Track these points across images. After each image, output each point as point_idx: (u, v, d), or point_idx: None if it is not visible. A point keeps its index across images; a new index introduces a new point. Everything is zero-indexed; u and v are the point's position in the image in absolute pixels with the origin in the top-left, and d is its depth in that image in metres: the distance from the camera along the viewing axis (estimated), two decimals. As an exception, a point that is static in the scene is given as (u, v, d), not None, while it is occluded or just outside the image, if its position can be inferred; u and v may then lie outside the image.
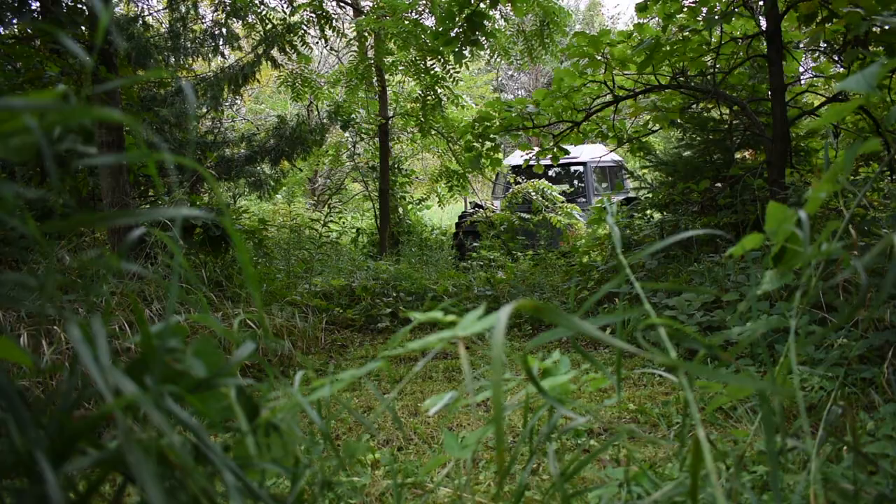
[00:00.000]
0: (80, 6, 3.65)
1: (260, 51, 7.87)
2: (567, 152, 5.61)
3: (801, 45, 4.34)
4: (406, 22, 6.45)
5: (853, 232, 0.89)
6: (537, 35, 7.47)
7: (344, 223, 9.79)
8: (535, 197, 7.93)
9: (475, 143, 5.46)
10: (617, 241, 0.79)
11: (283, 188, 11.64)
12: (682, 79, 4.65)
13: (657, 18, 4.33)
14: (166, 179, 5.78)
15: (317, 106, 10.03)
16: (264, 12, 7.65)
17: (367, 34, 7.74)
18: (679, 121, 5.14)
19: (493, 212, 8.25)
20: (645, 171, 5.99)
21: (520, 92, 25.71)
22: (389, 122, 9.51)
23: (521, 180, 8.32)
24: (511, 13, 7.31)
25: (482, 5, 4.66)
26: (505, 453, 0.53)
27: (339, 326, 4.38)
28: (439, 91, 8.16)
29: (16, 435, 0.47)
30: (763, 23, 4.18)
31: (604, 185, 9.05)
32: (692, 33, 4.26)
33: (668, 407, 2.29)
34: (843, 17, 3.20)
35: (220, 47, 8.08)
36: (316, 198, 13.87)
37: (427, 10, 6.75)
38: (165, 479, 0.50)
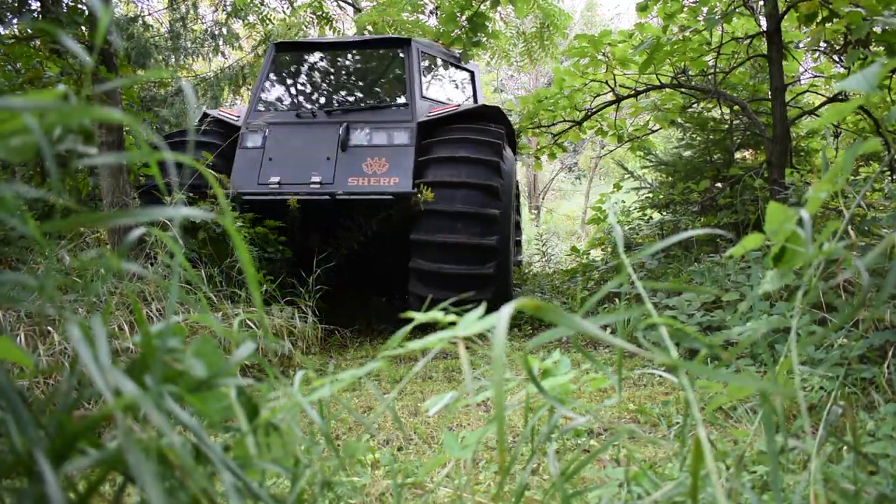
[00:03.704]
0: (80, 6, 3.65)
1: (260, 51, 7.87)
2: (565, 149, 5.40)
3: (802, 45, 4.34)
4: (404, 15, 6.40)
5: (851, 232, 0.89)
6: (537, 37, 7.47)
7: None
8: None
9: None
10: (619, 241, 0.79)
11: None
12: (682, 78, 4.65)
13: (658, 18, 4.33)
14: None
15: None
16: (265, 13, 7.65)
17: (366, 31, 7.73)
18: (679, 121, 5.14)
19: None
20: (645, 170, 6.00)
21: (520, 92, 25.70)
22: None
23: None
24: (510, 16, 7.31)
25: (482, 7, 4.67)
26: (505, 453, 0.53)
27: (340, 326, 4.38)
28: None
29: (16, 435, 0.47)
30: (763, 22, 4.18)
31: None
32: (693, 33, 4.26)
33: (668, 407, 2.28)
34: (843, 17, 3.20)
35: (221, 47, 8.08)
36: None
37: (428, 10, 6.74)
38: (165, 479, 0.50)
